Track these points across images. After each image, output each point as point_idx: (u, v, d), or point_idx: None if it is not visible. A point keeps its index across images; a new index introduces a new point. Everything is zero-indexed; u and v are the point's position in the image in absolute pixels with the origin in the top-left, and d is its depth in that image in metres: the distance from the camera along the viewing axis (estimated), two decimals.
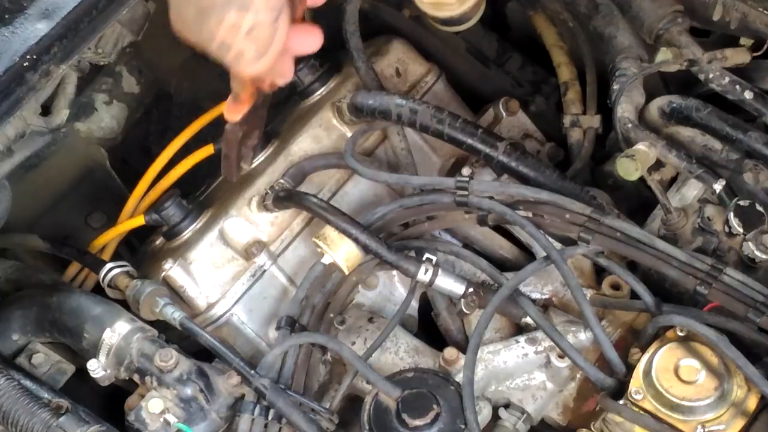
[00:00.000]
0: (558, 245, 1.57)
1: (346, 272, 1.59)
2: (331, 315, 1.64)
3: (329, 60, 1.86)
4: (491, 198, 1.59)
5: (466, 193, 1.58)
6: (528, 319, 1.58)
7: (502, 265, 1.74)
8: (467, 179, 1.59)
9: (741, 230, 1.57)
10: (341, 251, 1.57)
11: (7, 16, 1.36)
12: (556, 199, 1.56)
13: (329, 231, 1.58)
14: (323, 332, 1.61)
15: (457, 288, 1.60)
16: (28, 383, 1.48)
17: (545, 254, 1.53)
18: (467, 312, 1.60)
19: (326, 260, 1.59)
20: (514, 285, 1.55)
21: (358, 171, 1.67)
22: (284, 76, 1.27)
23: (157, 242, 1.79)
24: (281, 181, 1.71)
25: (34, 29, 1.35)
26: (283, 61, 1.24)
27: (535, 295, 1.65)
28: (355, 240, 1.57)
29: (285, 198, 1.64)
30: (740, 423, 1.40)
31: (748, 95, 1.63)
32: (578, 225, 1.54)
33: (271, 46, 1.19)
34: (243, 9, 1.13)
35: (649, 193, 1.66)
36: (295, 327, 1.59)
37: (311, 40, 1.25)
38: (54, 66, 1.37)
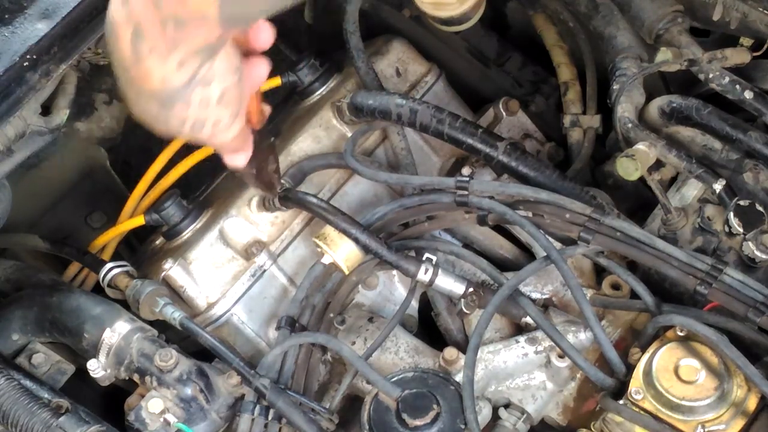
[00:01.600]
0: (558, 245, 1.57)
1: (346, 272, 1.59)
2: (331, 315, 1.64)
3: (329, 60, 1.86)
4: (491, 198, 1.59)
5: (466, 192, 1.58)
6: (528, 319, 1.58)
7: (502, 265, 1.73)
8: (467, 179, 1.59)
9: (741, 230, 1.57)
10: (341, 251, 1.57)
11: (7, 16, 1.36)
12: (556, 199, 1.56)
13: (329, 231, 1.58)
14: (323, 332, 1.61)
15: (457, 288, 1.60)
16: (28, 383, 1.48)
17: (545, 254, 1.53)
18: (467, 312, 1.60)
19: (326, 260, 1.59)
20: (515, 285, 1.55)
21: (358, 171, 1.67)
22: (246, 150, 1.25)
23: (157, 242, 1.79)
24: (281, 180, 1.71)
25: (34, 29, 1.35)
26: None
27: (535, 295, 1.65)
28: (355, 240, 1.57)
29: (285, 198, 1.64)
30: (740, 423, 1.40)
31: (748, 95, 1.62)
32: (578, 225, 1.54)
33: (241, 107, 1.17)
34: (207, 83, 1.11)
35: (649, 193, 1.66)
36: (295, 327, 1.59)
37: (263, 67, 1.21)
38: (54, 66, 1.37)
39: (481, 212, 1.60)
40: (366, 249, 1.57)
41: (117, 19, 1.07)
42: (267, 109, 1.28)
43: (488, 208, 1.58)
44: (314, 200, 1.63)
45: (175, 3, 1.03)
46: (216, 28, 1.05)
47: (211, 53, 1.09)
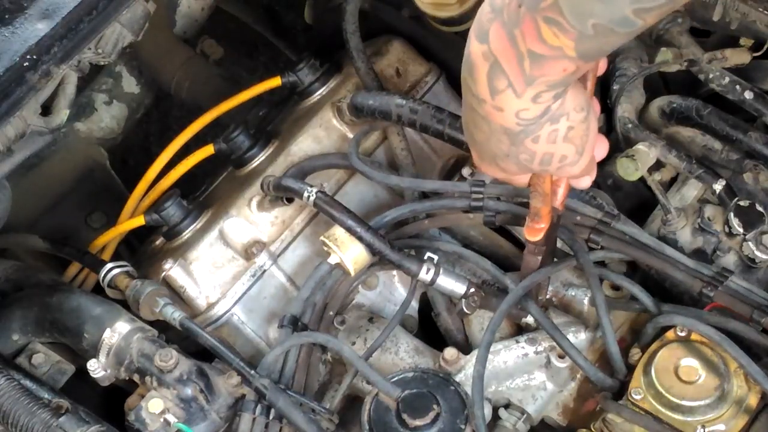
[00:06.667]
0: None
1: (353, 274, 1.58)
2: (331, 313, 1.63)
3: (329, 60, 1.86)
4: (498, 199, 1.59)
5: (481, 196, 1.58)
6: (528, 320, 1.58)
7: (502, 264, 1.73)
8: (482, 182, 1.60)
9: (741, 230, 1.57)
10: (350, 253, 1.56)
11: (7, 16, 1.36)
12: (567, 202, 1.55)
13: (338, 231, 1.57)
14: (323, 332, 1.61)
15: (458, 288, 1.59)
16: (28, 383, 1.48)
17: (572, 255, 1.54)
18: (468, 312, 1.60)
19: (333, 260, 1.58)
20: (528, 286, 1.54)
21: (367, 174, 1.66)
22: (591, 175, 1.28)
23: (157, 242, 1.79)
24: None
25: (34, 29, 1.35)
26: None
27: None
28: (359, 238, 1.56)
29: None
30: (741, 423, 1.40)
31: (748, 95, 1.63)
32: (588, 227, 1.54)
33: (587, 143, 1.20)
34: (556, 119, 1.14)
35: (649, 193, 1.66)
36: (297, 326, 1.58)
37: (602, 147, 1.26)
38: (54, 66, 1.37)
39: (490, 214, 1.60)
40: (370, 248, 1.57)
41: (475, 54, 1.10)
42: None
43: (505, 210, 1.59)
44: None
45: (533, 39, 1.05)
46: (571, 64, 1.07)
47: (564, 89, 1.12)
